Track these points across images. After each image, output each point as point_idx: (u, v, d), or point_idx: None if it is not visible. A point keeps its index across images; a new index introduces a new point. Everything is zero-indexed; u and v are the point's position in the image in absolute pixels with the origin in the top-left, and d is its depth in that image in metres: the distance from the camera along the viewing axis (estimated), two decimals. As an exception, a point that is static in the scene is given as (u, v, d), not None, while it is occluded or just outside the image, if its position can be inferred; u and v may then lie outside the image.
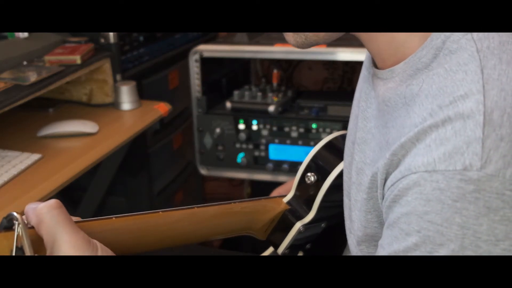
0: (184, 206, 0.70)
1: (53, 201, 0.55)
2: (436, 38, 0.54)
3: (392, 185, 0.53)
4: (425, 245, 0.50)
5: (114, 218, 0.62)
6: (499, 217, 0.47)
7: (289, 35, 0.64)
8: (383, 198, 0.57)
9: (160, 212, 0.66)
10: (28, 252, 0.52)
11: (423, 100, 0.53)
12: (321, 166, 0.80)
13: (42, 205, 0.54)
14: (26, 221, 0.55)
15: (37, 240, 0.54)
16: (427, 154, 0.50)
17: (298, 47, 0.64)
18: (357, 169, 0.66)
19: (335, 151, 0.81)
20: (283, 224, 0.80)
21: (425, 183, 0.49)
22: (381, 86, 0.60)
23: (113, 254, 0.56)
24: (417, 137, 0.51)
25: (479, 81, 0.50)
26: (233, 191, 2.06)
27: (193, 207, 0.70)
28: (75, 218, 0.60)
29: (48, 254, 0.53)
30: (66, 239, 0.52)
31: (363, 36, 0.61)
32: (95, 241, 0.55)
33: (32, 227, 0.54)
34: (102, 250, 0.54)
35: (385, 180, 0.56)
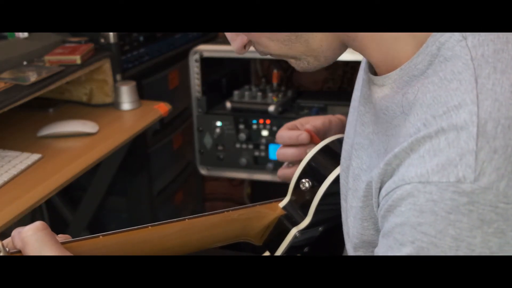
0: (175, 219, 0.68)
1: (38, 223, 0.55)
2: (432, 44, 0.53)
3: (386, 194, 0.53)
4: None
5: (101, 237, 0.61)
6: (493, 230, 0.47)
7: (292, 62, 0.64)
8: (378, 207, 0.57)
9: (150, 227, 0.65)
10: None
11: (418, 109, 0.53)
12: (317, 171, 0.79)
13: (27, 228, 0.55)
14: (8, 247, 0.55)
15: None
16: (421, 165, 0.50)
17: (302, 71, 0.65)
18: (354, 175, 0.65)
19: (332, 155, 0.79)
20: (279, 230, 0.78)
21: (418, 194, 0.49)
22: (378, 93, 0.60)
23: None
24: (411, 147, 0.51)
25: (473, 91, 0.49)
26: (233, 191, 2.06)
27: (184, 219, 0.69)
28: (62, 237, 0.60)
29: None
30: None
31: (360, 44, 0.60)
32: None
33: (19, 251, 0.55)
34: None
35: (380, 189, 0.55)
